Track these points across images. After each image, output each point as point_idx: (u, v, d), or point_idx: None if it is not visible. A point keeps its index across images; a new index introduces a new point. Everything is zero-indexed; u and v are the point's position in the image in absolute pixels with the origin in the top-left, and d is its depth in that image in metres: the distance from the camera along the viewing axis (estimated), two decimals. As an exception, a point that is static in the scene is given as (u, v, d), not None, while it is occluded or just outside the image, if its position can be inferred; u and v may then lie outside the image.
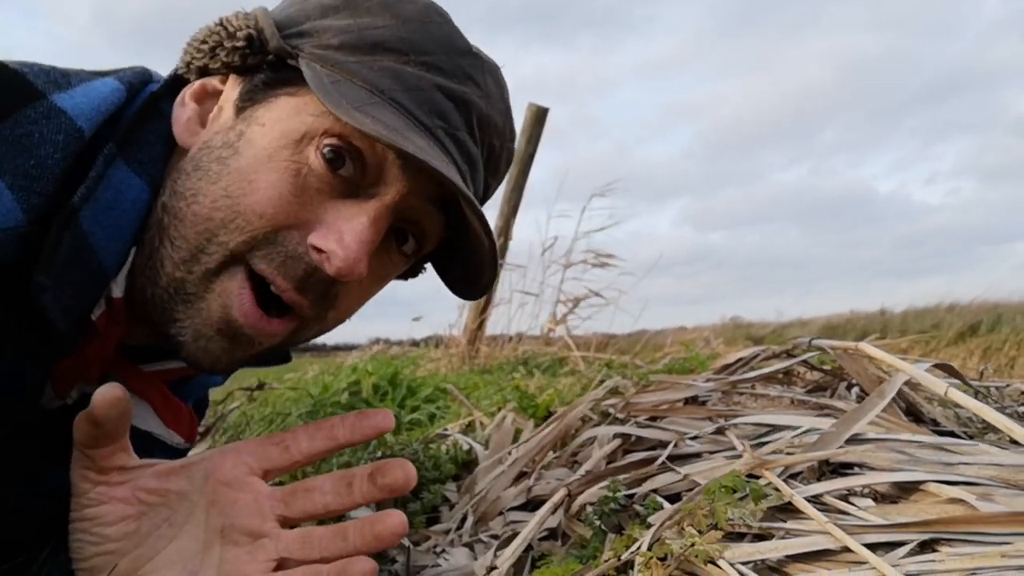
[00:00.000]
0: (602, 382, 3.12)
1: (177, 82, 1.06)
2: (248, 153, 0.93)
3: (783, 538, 1.14)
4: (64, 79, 0.91)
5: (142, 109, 0.98)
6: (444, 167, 0.90)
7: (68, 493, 0.95)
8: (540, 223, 7.48)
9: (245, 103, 0.98)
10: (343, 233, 0.93)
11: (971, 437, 1.57)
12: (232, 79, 1.02)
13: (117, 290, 0.96)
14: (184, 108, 1.02)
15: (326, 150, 0.93)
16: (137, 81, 1.02)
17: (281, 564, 1.00)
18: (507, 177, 5.92)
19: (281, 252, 0.94)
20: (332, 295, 1.02)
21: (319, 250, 0.93)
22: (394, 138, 0.86)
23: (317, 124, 0.93)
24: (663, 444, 1.78)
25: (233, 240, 0.92)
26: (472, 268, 1.08)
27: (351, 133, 0.92)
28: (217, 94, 1.03)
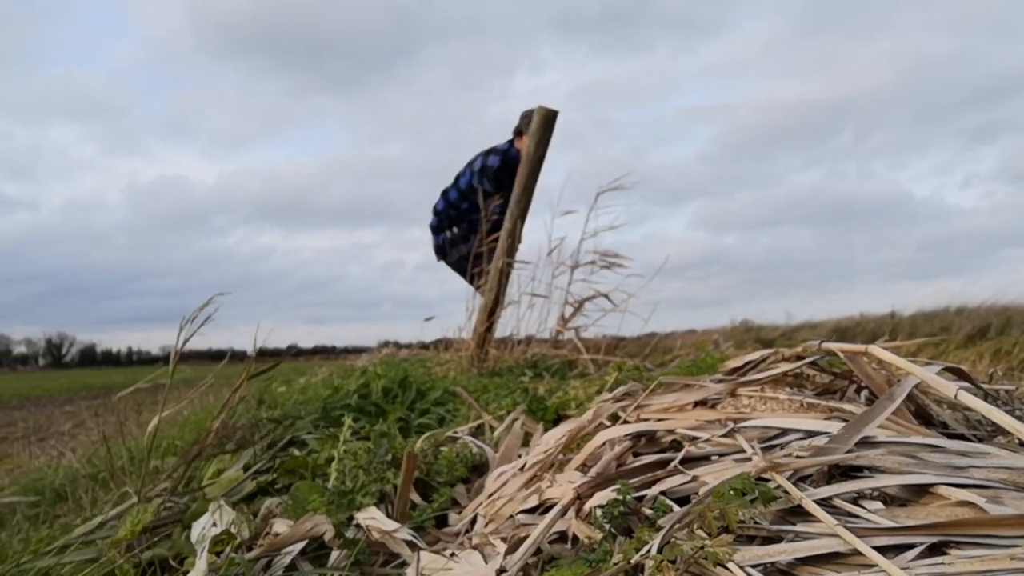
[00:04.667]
0: (614, 386, 3.12)
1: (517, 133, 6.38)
2: None
3: (793, 541, 1.14)
4: None
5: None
6: None
7: None
8: (547, 224, 7.32)
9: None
10: None
11: (981, 440, 1.57)
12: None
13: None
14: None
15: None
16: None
17: None
18: (516, 180, 5.93)
19: None
20: None
21: None
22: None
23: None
24: (673, 447, 1.78)
25: None
26: None
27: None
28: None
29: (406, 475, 2.06)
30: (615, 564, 1.22)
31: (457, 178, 7.02)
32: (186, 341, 2.20)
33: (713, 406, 1.98)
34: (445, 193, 7.09)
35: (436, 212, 7.15)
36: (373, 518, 1.89)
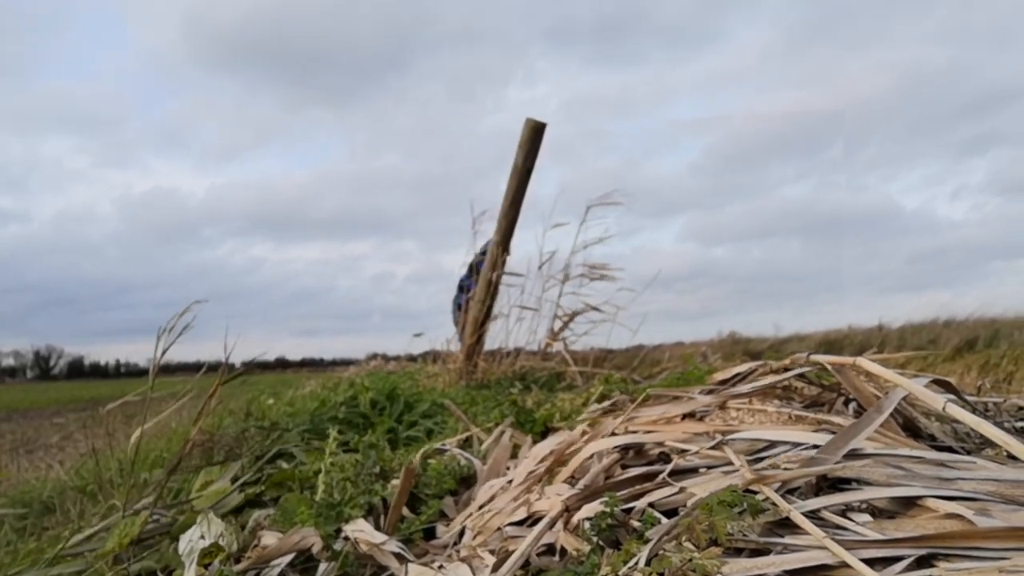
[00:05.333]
0: (601, 398, 3.12)
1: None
2: None
3: (781, 553, 1.14)
4: None
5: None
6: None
7: None
8: (537, 236, 7.24)
9: None
10: None
11: (969, 452, 1.57)
12: None
13: None
14: None
15: None
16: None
17: None
18: (505, 192, 5.93)
19: None
20: None
21: None
22: None
23: None
24: (661, 459, 1.78)
25: None
26: None
27: None
28: None
29: (402, 488, 2.05)
30: (603, 577, 1.22)
31: (484, 249, 6.61)
32: (165, 351, 2.19)
33: (701, 418, 1.98)
34: (471, 267, 6.77)
35: (461, 287, 6.84)
36: (361, 530, 1.88)
